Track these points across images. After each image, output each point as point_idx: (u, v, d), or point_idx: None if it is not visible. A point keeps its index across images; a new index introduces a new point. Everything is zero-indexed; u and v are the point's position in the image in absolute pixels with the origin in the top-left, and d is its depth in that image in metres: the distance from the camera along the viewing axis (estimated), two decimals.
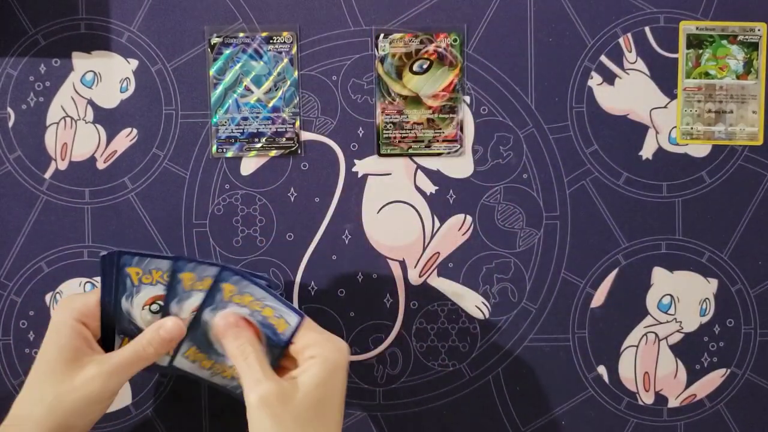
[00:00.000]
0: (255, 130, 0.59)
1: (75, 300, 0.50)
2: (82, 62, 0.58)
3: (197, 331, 0.51)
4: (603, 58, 0.59)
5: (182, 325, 0.49)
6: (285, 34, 0.58)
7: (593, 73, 0.59)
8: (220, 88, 0.58)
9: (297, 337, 0.49)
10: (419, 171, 0.59)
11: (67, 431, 0.46)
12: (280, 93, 0.59)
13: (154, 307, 0.50)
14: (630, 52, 0.59)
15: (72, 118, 0.58)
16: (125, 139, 0.59)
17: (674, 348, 0.60)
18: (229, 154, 0.59)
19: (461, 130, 0.59)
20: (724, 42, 0.59)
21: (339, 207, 0.59)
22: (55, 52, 0.58)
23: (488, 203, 0.59)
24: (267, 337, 0.50)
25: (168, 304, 0.50)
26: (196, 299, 0.50)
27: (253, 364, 0.46)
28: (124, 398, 0.59)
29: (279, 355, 0.50)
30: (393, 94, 0.59)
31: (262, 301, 0.50)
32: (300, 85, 0.59)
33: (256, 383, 0.45)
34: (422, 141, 0.59)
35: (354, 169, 0.59)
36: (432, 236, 0.59)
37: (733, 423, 0.60)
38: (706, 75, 0.59)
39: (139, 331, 0.50)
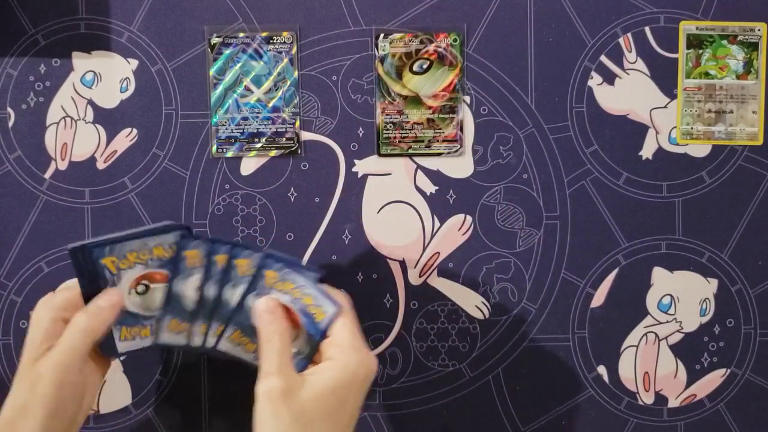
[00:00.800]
0: (255, 130, 0.59)
1: (55, 296, 0.49)
2: (82, 62, 0.58)
3: (241, 316, 0.51)
4: (603, 58, 0.59)
5: (115, 294, 0.48)
6: (285, 34, 0.58)
7: (593, 73, 0.59)
8: (220, 88, 0.58)
9: (331, 331, 0.48)
10: (419, 171, 0.59)
11: (62, 412, 0.45)
12: (280, 93, 0.59)
13: (140, 288, 0.50)
14: (630, 52, 0.59)
15: (72, 118, 0.58)
16: (125, 139, 0.59)
17: (674, 348, 0.60)
18: (229, 154, 0.59)
19: (461, 130, 0.59)
20: (724, 42, 0.59)
21: (339, 207, 0.59)
22: (55, 52, 0.58)
23: (488, 203, 0.59)
24: (306, 327, 0.50)
25: (204, 285, 0.50)
26: (242, 286, 0.50)
27: (272, 355, 0.46)
28: (124, 398, 0.59)
29: (316, 346, 0.49)
30: (393, 94, 0.59)
31: (302, 289, 0.50)
32: (300, 85, 0.59)
33: (266, 375, 0.45)
34: (422, 141, 0.59)
35: (354, 169, 0.59)
36: (432, 236, 0.59)
37: (733, 423, 0.60)
38: (706, 75, 0.59)
39: (133, 317, 0.50)
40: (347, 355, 0.46)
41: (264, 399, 0.44)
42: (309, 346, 0.49)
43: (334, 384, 0.45)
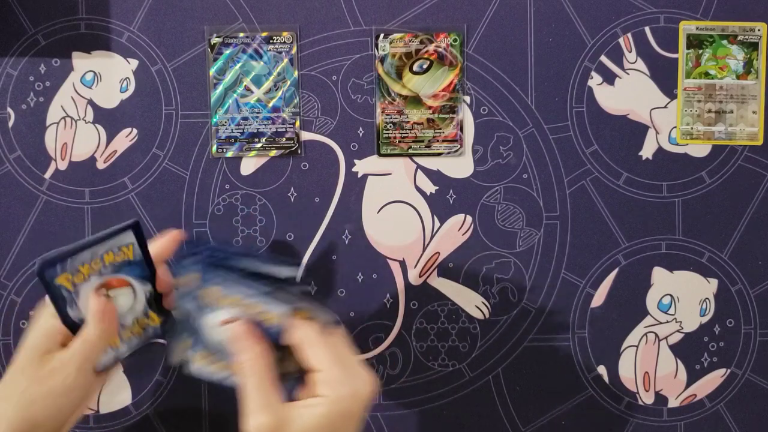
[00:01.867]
0: (255, 130, 0.59)
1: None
2: (82, 62, 0.58)
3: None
4: (603, 58, 0.59)
5: (103, 299, 0.47)
6: (285, 34, 0.58)
7: (593, 73, 0.59)
8: (220, 88, 0.58)
9: (319, 365, 0.44)
10: (419, 171, 0.59)
11: (35, 428, 0.46)
12: (280, 93, 0.59)
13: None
14: (630, 52, 0.59)
15: (72, 118, 0.58)
16: (125, 139, 0.59)
17: (674, 348, 0.60)
18: (229, 154, 0.59)
19: (461, 130, 0.59)
20: (724, 42, 0.59)
21: (339, 207, 0.59)
22: (55, 52, 0.58)
23: (488, 203, 0.59)
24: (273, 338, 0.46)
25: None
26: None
27: (252, 391, 0.44)
28: (124, 398, 0.59)
29: (280, 356, 0.46)
30: (393, 94, 0.59)
31: (248, 299, 0.46)
32: (300, 85, 0.59)
33: (252, 412, 0.43)
34: (422, 141, 0.59)
35: (354, 169, 0.59)
36: (432, 236, 0.59)
37: (733, 423, 0.60)
38: (706, 75, 0.59)
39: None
40: (339, 390, 0.43)
41: None
42: (295, 364, 0.46)
43: (328, 420, 0.43)
